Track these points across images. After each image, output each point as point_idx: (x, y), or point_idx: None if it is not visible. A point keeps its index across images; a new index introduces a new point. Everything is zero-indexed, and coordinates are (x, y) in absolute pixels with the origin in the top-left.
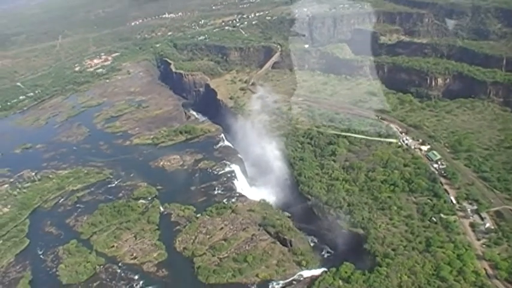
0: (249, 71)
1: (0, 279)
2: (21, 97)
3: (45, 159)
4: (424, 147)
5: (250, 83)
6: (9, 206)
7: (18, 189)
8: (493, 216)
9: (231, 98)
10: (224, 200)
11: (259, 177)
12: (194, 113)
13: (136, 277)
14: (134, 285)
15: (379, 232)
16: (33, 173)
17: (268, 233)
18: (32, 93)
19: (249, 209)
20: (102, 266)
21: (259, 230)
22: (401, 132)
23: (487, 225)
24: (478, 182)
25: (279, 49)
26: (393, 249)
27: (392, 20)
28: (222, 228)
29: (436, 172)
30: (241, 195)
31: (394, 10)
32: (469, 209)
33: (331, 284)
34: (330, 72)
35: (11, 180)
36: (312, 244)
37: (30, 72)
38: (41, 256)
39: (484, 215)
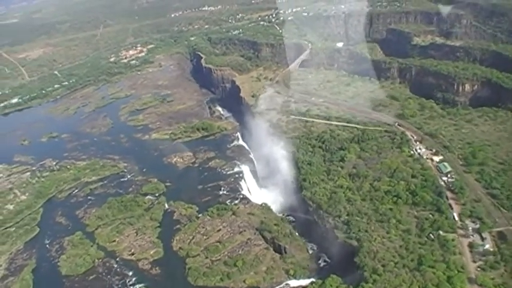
0: (275, 69)
1: (7, 265)
2: (56, 85)
3: (68, 149)
4: (436, 158)
5: (274, 82)
6: (27, 194)
7: (37, 178)
8: (495, 237)
9: (253, 96)
10: (228, 201)
11: (269, 179)
12: (220, 108)
13: (130, 273)
14: (127, 281)
15: (373, 246)
16: (54, 163)
17: (264, 238)
18: (66, 82)
19: (249, 212)
20: (100, 260)
21: (255, 234)
22: (415, 141)
23: (487, 246)
24: (485, 198)
25: (309, 47)
26: (383, 265)
27: (429, 21)
28: (219, 230)
29: (444, 185)
30: (244, 197)
31: (431, 10)
32: (470, 228)
33: None
34: (357, 73)
35: (33, 168)
36: (310, 252)
37: (68, 61)
38: (47, 245)
39: (485, 235)
